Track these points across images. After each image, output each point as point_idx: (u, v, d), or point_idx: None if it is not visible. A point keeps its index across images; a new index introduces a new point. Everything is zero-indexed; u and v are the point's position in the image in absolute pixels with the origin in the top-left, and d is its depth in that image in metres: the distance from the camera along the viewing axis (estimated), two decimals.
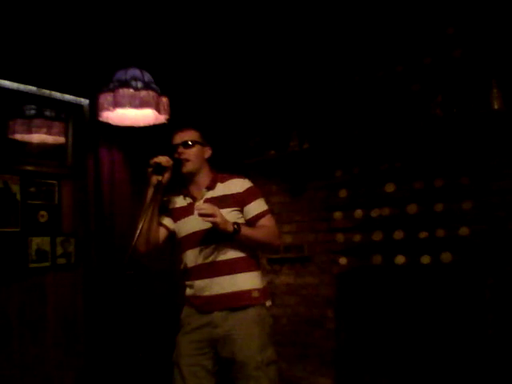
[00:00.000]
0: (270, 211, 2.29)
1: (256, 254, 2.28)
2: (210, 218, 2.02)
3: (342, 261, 3.62)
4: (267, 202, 4.16)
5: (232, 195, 2.23)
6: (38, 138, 3.33)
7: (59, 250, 3.34)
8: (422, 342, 3.26)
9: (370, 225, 3.53)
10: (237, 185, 2.26)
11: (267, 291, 2.29)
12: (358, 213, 3.58)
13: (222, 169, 2.38)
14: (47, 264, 3.26)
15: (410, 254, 3.34)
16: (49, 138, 3.38)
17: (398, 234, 3.39)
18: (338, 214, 3.69)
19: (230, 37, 3.71)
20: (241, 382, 2.11)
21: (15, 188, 3.14)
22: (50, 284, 3.28)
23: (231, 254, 2.18)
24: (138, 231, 2.04)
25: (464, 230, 3.16)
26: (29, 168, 3.24)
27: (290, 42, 3.81)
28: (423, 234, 3.30)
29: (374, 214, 3.51)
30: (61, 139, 3.45)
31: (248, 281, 2.20)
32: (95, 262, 3.44)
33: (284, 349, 3.91)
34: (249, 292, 2.18)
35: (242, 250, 2.20)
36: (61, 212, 3.39)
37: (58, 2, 3.07)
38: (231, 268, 2.17)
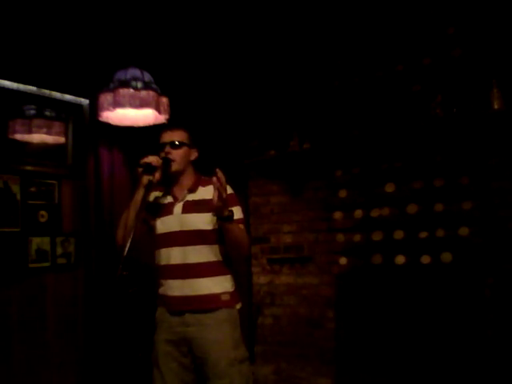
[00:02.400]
0: (244, 220, 2.30)
1: (229, 258, 2.29)
2: (220, 199, 1.99)
3: (342, 261, 3.62)
4: (267, 202, 4.16)
5: (212, 200, 2.12)
6: (38, 137, 3.34)
7: (59, 250, 3.34)
8: (421, 342, 3.26)
9: (370, 225, 3.53)
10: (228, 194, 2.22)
11: (237, 294, 2.30)
12: (358, 213, 3.58)
13: (221, 169, 2.38)
14: (47, 264, 3.27)
15: (410, 254, 3.34)
16: (49, 138, 3.39)
17: (398, 234, 3.39)
18: (338, 214, 3.69)
19: (230, 37, 3.71)
20: (215, 381, 2.12)
21: (15, 188, 3.14)
22: (50, 284, 3.28)
23: (204, 257, 2.20)
24: (132, 234, 2.02)
25: (464, 230, 3.16)
26: (29, 168, 3.24)
27: (291, 42, 3.81)
28: (423, 234, 3.30)
29: (374, 213, 3.51)
30: (61, 139, 3.46)
31: (219, 284, 2.21)
32: (95, 262, 3.44)
33: (284, 349, 3.91)
34: (218, 295, 2.20)
35: (215, 254, 2.22)
36: (61, 212, 3.39)
37: (57, 2, 3.07)
38: (203, 271, 2.19)
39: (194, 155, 2.35)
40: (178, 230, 2.21)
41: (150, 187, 2.18)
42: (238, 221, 2.23)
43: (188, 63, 3.86)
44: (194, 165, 2.38)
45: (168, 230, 2.24)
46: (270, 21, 3.61)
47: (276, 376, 3.92)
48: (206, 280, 2.19)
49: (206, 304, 2.18)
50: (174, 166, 2.26)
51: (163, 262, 2.25)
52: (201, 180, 2.32)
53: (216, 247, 2.22)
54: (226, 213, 2.07)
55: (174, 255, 2.21)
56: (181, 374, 2.19)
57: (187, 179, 2.31)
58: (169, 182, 2.33)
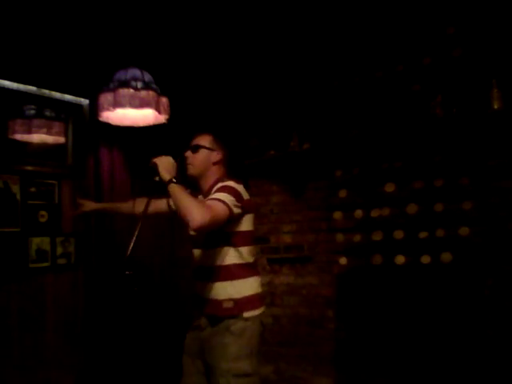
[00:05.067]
0: (223, 202, 2.05)
1: (250, 261, 2.25)
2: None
3: (342, 261, 3.62)
4: (267, 202, 4.15)
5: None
6: (38, 137, 3.34)
7: (59, 250, 3.34)
8: (421, 341, 3.26)
9: (370, 225, 3.52)
10: (218, 186, 2.19)
11: (247, 301, 2.17)
12: (358, 213, 3.57)
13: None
14: (47, 264, 3.27)
15: (410, 254, 3.34)
16: (49, 138, 3.39)
17: (398, 234, 3.39)
18: (338, 214, 3.69)
19: (230, 37, 3.71)
20: None
21: (15, 188, 3.14)
22: (50, 284, 3.28)
23: (221, 261, 2.18)
24: (136, 232, 2.02)
25: (464, 230, 3.16)
26: (29, 168, 3.24)
27: (291, 42, 3.81)
28: (423, 234, 3.30)
29: (374, 214, 3.51)
30: (61, 139, 3.45)
31: (224, 290, 2.17)
32: (95, 262, 3.44)
33: (284, 349, 3.91)
34: (220, 302, 2.16)
35: (224, 258, 2.18)
36: (61, 212, 3.39)
37: (57, 2, 3.07)
38: (216, 275, 2.18)
39: (215, 157, 2.31)
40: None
41: (160, 185, 2.13)
42: (215, 197, 2.07)
43: (188, 63, 3.86)
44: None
45: (191, 233, 2.26)
46: (270, 21, 3.60)
47: (276, 376, 3.92)
48: (216, 285, 2.18)
49: (212, 309, 2.19)
50: (191, 170, 2.29)
51: (192, 263, 2.33)
52: (218, 181, 2.24)
53: (225, 250, 2.19)
54: (167, 177, 2.02)
55: (195, 257, 2.29)
56: (194, 375, 2.25)
57: (206, 183, 2.30)
58: (193, 184, 2.34)
